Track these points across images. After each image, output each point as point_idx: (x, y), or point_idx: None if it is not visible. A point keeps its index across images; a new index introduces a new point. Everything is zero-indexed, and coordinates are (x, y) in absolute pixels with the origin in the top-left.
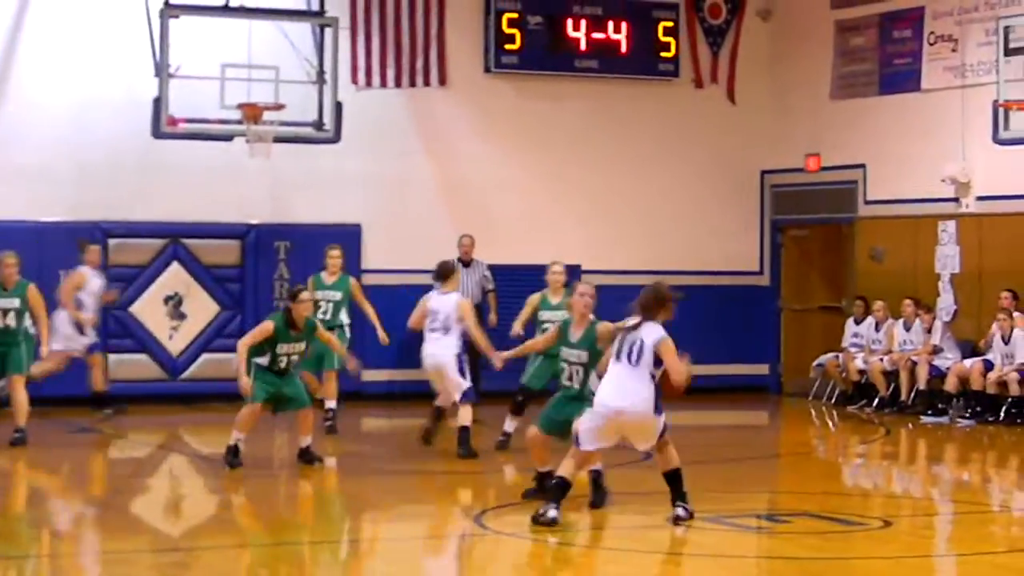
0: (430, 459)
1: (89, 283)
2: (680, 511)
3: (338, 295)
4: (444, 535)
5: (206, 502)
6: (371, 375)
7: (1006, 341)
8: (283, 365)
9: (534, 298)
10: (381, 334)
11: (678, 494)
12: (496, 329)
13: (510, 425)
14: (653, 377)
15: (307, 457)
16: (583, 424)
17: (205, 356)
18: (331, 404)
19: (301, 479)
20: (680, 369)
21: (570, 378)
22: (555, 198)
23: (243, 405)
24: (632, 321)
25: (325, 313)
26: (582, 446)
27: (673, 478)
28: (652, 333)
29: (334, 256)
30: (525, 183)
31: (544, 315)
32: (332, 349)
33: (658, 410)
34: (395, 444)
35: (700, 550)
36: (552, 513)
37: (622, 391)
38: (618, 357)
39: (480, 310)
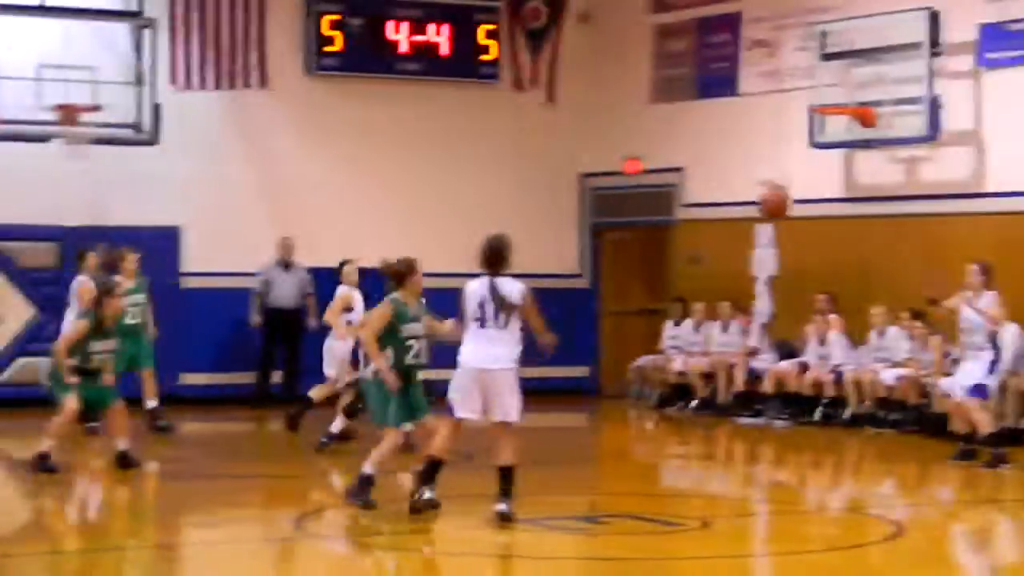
0: (251, 463)
1: None
2: (504, 506)
3: (141, 297)
4: (264, 540)
5: (19, 508)
6: (189, 378)
7: (822, 343)
8: (95, 364)
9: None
10: (152, 330)
11: (506, 491)
12: (317, 333)
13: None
14: (520, 333)
15: (125, 461)
16: (453, 390)
17: (21, 360)
18: (152, 403)
19: (119, 484)
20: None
21: (418, 354)
22: (377, 201)
23: (56, 412)
24: (482, 286)
25: (134, 317)
26: (456, 413)
27: (507, 474)
28: (513, 288)
29: (132, 259)
30: (347, 185)
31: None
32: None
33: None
34: (215, 447)
35: (521, 552)
36: (428, 494)
37: (489, 351)
38: (482, 323)
39: (299, 313)
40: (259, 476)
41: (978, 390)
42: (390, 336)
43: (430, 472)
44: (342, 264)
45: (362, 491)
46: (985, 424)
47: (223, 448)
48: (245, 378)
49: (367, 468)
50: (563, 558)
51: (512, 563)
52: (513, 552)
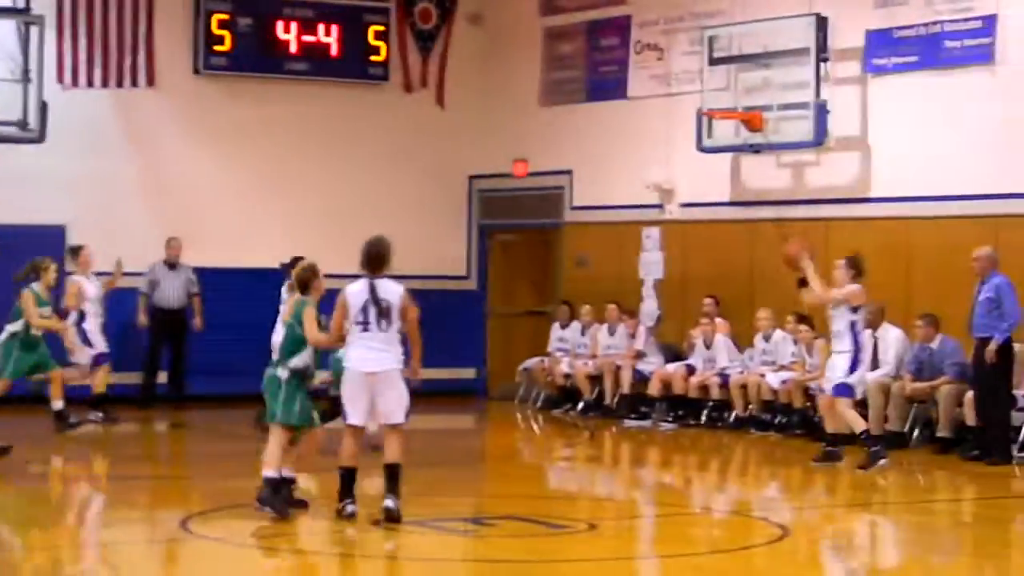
0: (138, 464)
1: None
2: (390, 503)
3: (50, 309)
4: (150, 540)
5: None
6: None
7: (708, 346)
8: None
9: None
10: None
11: (393, 488)
12: (203, 333)
13: None
14: (401, 335)
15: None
16: (343, 397)
17: None
18: (58, 405)
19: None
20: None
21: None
22: (265, 201)
23: None
24: (364, 289)
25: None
26: (348, 419)
27: (393, 471)
28: (393, 291)
29: (53, 270)
30: (236, 185)
31: None
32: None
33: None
34: (101, 448)
35: (408, 554)
36: (351, 508)
37: (373, 355)
38: (365, 327)
39: (185, 313)
40: (146, 477)
41: (842, 388)
42: (302, 340)
43: (347, 483)
44: (293, 260)
45: (274, 496)
46: (856, 422)
47: (109, 448)
48: (131, 378)
49: (269, 472)
50: (449, 560)
51: (398, 565)
52: (399, 554)
